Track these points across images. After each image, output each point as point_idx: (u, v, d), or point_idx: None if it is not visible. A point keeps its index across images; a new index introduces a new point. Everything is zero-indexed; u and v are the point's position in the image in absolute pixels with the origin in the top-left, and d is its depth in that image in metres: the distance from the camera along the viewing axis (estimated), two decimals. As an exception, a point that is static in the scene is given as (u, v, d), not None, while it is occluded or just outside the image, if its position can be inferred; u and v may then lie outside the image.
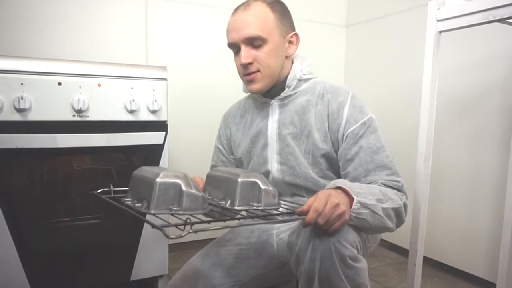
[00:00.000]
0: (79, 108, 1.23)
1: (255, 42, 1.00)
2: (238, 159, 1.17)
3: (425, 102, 1.23)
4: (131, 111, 1.30)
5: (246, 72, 1.03)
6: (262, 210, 0.86)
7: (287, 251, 0.89)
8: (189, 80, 1.90)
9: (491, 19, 1.08)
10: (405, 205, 0.95)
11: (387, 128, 2.01)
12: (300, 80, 1.08)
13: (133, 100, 1.29)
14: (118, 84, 1.29)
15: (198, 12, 1.92)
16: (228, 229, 1.21)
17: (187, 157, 1.90)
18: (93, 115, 1.26)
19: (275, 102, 1.08)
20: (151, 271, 1.39)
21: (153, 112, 1.33)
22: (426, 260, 1.51)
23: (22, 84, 1.18)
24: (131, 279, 1.36)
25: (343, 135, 1.00)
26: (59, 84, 1.22)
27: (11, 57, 1.23)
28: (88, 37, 1.71)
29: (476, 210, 1.67)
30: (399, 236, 1.97)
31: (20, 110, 1.17)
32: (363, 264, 0.85)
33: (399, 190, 0.96)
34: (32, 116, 1.19)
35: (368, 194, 0.87)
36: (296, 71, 1.07)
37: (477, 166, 1.66)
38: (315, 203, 0.77)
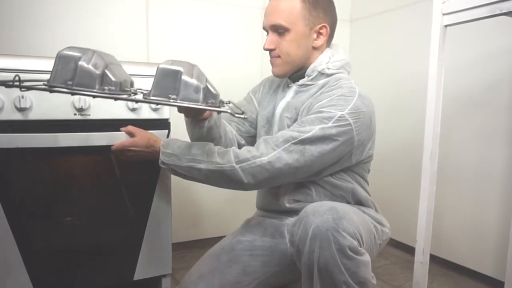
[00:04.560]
0: (80, 106, 1.23)
1: (279, 29, 1.07)
2: (256, 118, 1.26)
3: (431, 97, 1.24)
4: (133, 109, 1.30)
5: (270, 55, 1.12)
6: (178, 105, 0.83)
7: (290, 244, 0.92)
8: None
9: (498, 12, 1.08)
10: (231, 170, 0.98)
11: (392, 124, 2.04)
12: (321, 73, 1.11)
13: None
14: None
15: (200, 8, 1.93)
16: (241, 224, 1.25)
17: None
18: (94, 114, 1.26)
19: (294, 86, 1.15)
20: (155, 271, 1.40)
21: (155, 110, 1.33)
22: (433, 258, 1.51)
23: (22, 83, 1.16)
24: (135, 278, 1.37)
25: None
26: None
27: (11, 55, 1.23)
28: (88, 34, 1.72)
29: (484, 207, 1.67)
30: (405, 234, 1.97)
31: (20, 109, 1.18)
32: (365, 257, 0.86)
33: (236, 156, 0.98)
34: (33, 115, 1.19)
35: (185, 154, 1.02)
36: (318, 64, 1.11)
37: (485, 162, 1.66)
38: (128, 141, 1.09)
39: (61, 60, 0.77)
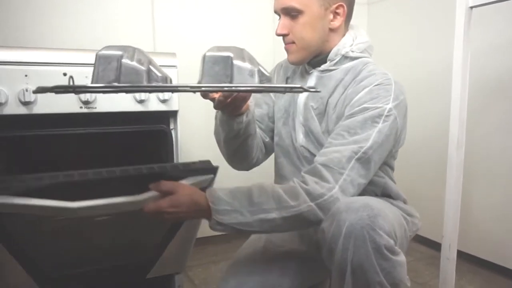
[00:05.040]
0: (85, 99, 1.21)
1: (292, 12, 1.01)
2: (272, 110, 1.18)
3: (456, 84, 1.18)
4: (141, 101, 1.28)
5: (284, 41, 1.05)
6: (233, 89, 0.77)
7: (320, 241, 0.88)
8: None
9: (530, -11, 1.01)
10: (309, 211, 0.89)
11: (415, 112, 1.94)
12: (345, 57, 1.05)
13: None
14: None
15: (208, -6, 1.89)
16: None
17: (199, 147, 1.86)
18: (101, 107, 1.24)
19: (315, 72, 1.08)
20: (169, 269, 1.35)
21: (164, 101, 1.30)
22: (460, 254, 1.45)
23: (26, 75, 1.16)
24: (148, 276, 1.33)
25: (342, 115, 0.99)
26: (64, 74, 1.19)
27: (14, 47, 1.21)
28: (92, 24, 1.69)
29: (514, 200, 1.61)
30: (430, 229, 1.90)
31: (25, 103, 1.16)
32: (401, 257, 0.83)
33: (309, 193, 0.89)
34: (38, 109, 1.18)
35: (247, 206, 0.88)
36: (342, 46, 1.05)
37: (516, 152, 1.59)
38: (166, 202, 0.84)
39: (101, 60, 0.71)
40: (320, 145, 1.04)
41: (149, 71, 0.71)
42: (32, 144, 1.22)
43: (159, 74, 0.73)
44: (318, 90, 0.78)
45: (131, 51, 0.74)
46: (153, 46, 1.80)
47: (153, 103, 1.29)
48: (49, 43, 1.60)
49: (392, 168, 1.12)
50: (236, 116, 1.01)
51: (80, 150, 1.30)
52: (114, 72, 0.70)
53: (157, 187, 0.88)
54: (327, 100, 1.04)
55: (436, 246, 1.88)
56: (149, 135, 1.30)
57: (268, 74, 0.77)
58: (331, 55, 1.06)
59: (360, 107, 0.95)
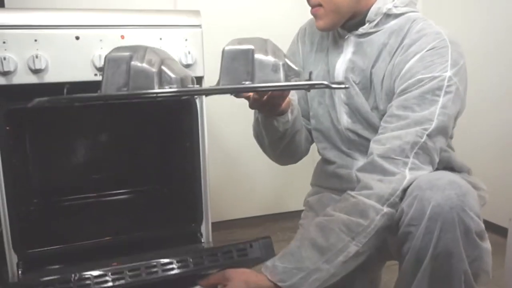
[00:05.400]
0: (101, 65, 1.14)
1: None
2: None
3: None
4: None
5: (309, 3, 0.96)
6: (256, 89, 0.74)
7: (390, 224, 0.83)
8: (228, 26, 1.75)
9: None
10: (386, 219, 0.83)
11: (479, 79, 1.74)
12: (388, 15, 0.94)
13: None
14: (144, 35, 1.21)
15: None
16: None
17: (228, 121, 1.81)
18: None
19: (351, 37, 0.99)
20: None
21: (187, 66, 1.23)
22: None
23: (36, 40, 1.12)
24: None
25: (393, 89, 0.92)
26: (77, 38, 1.15)
27: (22, 9, 1.19)
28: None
29: None
30: (494, 212, 1.75)
31: (35, 71, 1.12)
32: (488, 244, 0.81)
33: (379, 197, 0.83)
34: (49, 78, 1.14)
35: (314, 263, 0.81)
36: (383, 3, 0.95)
37: None
38: None
39: (110, 64, 0.71)
40: (370, 125, 0.97)
41: (160, 73, 0.69)
42: (44, 116, 1.23)
43: (172, 76, 0.70)
44: (347, 86, 0.74)
45: (142, 50, 0.72)
46: (173, 3, 1.72)
47: None
48: (60, 3, 1.54)
49: (451, 137, 1.03)
50: (278, 115, 0.95)
51: (96, 122, 1.27)
52: (123, 76, 0.69)
53: (207, 283, 0.85)
54: (371, 71, 0.96)
55: (501, 231, 1.73)
56: (171, 105, 1.27)
57: (296, 69, 0.73)
58: (370, 15, 0.95)
59: (413, 79, 0.88)
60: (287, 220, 1.89)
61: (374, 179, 0.84)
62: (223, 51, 0.71)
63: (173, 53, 1.19)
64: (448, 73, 0.86)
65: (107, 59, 0.70)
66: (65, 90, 0.68)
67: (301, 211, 1.18)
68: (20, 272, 1.11)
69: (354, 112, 0.98)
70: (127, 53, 0.70)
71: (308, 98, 1.09)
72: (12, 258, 1.14)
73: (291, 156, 1.09)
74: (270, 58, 0.69)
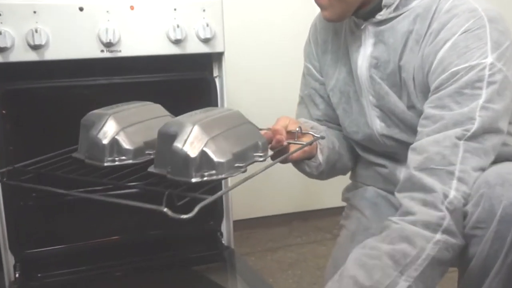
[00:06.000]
0: (108, 40, 1.13)
1: None
2: (328, 94, 1.04)
3: None
4: (176, 41, 1.20)
5: None
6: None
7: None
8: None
9: None
10: (441, 247, 0.75)
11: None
12: None
13: (178, 26, 1.19)
14: (157, 5, 1.20)
15: None
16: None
17: (251, 103, 1.76)
18: (127, 50, 1.17)
19: (369, 27, 0.91)
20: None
21: (206, 41, 1.21)
22: None
23: (35, 12, 1.11)
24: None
25: (428, 85, 0.85)
26: (81, 9, 1.14)
27: None
28: None
29: None
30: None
31: (35, 47, 1.10)
32: None
33: (425, 226, 0.75)
34: (50, 55, 1.12)
35: None
36: None
37: None
38: None
39: (82, 129, 0.83)
40: (408, 127, 0.90)
41: (113, 144, 0.77)
42: (45, 97, 1.21)
43: (127, 147, 0.78)
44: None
45: (104, 119, 0.79)
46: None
47: (191, 43, 1.21)
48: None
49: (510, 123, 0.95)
50: (307, 159, 0.95)
51: (102, 105, 1.25)
52: (86, 143, 0.80)
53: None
54: (398, 65, 0.89)
55: None
56: (187, 85, 1.26)
57: (218, 161, 0.69)
58: None
59: (447, 73, 0.80)
60: (320, 218, 1.84)
61: (416, 201, 0.77)
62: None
63: (189, 26, 1.21)
64: (489, 59, 0.78)
65: (81, 123, 0.82)
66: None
67: (337, 208, 1.16)
68: (17, 274, 1.10)
69: (388, 114, 0.92)
70: (90, 121, 0.80)
71: (333, 104, 1.04)
72: (8, 259, 1.13)
73: (339, 174, 1.09)
74: (183, 150, 0.69)
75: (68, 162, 0.82)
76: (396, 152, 0.95)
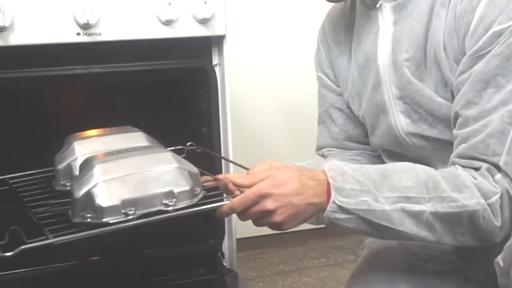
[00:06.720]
0: (85, 21, 1.09)
1: None
2: (346, 102, 1.06)
3: None
4: (167, 22, 1.14)
5: None
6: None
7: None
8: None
9: None
10: (480, 210, 0.81)
11: None
12: None
13: (169, 4, 1.13)
14: None
15: None
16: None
17: (254, 94, 1.73)
18: (108, 33, 1.13)
19: (386, 5, 0.93)
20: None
21: (203, 22, 1.15)
22: None
23: None
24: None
25: (464, 51, 0.85)
26: None
27: None
28: None
29: None
30: None
31: None
32: None
33: (479, 188, 0.80)
34: (16, 39, 1.07)
35: (376, 189, 0.84)
36: None
37: None
38: (261, 184, 0.81)
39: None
40: (437, 119, 0.90)
41: (67, 168, 0.93)
42: (8, 90, 1.19)
43: (75, 173, 0.90)
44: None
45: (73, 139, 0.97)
46: None
47: (186, 24, 1.15)
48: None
49: None
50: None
51: (78, 100, 1.23)
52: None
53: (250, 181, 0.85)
54: (426, 37, 0.90)
55: None
56: (181, 75, 1.24)
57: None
58: None
59: (488, 34, 0.80)
60: (341, 236, 1.81)
61: (473, 175, 0.82)
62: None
63: (184, 4, 1.15)
64: None
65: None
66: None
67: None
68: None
69: (413, 106, 0.92)
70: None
71: (354, 110, 1.06)
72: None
73: None
74: (73, 188, 0.80)
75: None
76: (428, 157, 0.93)
